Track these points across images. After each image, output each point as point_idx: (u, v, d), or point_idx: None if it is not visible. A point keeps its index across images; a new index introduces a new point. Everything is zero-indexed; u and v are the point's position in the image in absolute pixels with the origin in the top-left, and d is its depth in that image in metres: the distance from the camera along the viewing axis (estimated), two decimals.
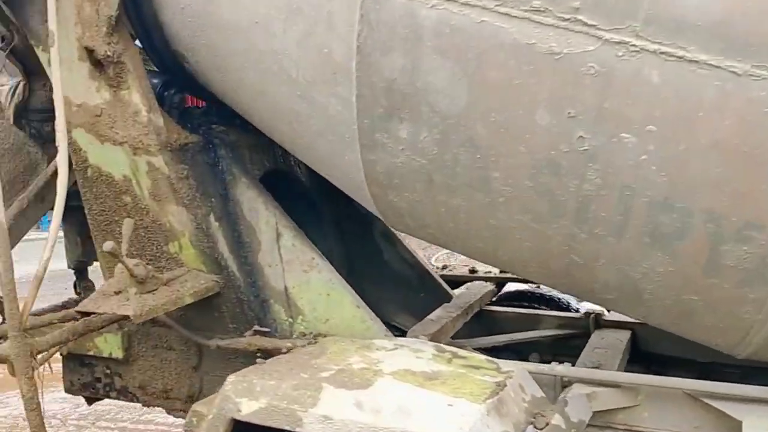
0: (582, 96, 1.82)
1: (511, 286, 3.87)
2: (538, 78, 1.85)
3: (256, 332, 2.73)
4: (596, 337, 2.96)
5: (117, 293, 2.45)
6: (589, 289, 2.22)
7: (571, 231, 2.02)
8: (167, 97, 2.82)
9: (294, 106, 2.37)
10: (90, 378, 3.24)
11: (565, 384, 2.32)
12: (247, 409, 1.96)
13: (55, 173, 3.18)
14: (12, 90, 3.47)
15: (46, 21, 2.70)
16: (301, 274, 2.73)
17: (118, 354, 3.06)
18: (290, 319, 2.76)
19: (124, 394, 3.16)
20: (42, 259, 2.42)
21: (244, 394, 2.00)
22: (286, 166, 3.32)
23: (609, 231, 1.97)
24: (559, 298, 3.81)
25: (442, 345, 2.32)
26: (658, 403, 2.24)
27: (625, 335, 2.98)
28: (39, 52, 2.76)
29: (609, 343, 2.87)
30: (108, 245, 2.36)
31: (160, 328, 2.99)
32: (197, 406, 2.12)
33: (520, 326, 3.26)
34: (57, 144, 2.48)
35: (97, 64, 2.59)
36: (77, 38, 2.62)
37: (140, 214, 2.76)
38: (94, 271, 3.91)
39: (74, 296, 3.78)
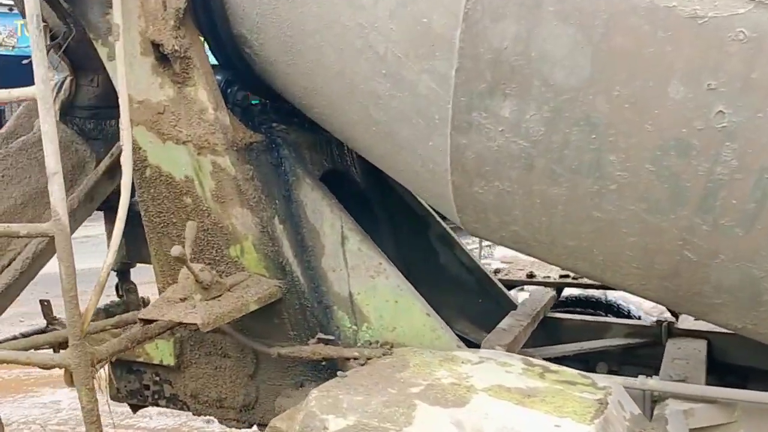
0: (726, 65, 1.67)
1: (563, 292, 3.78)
2: (676, 45, 1.70)
3: (320, 340, 2.64)
4: (672, 347, 2.86)
5: (183, 300, 2.36)
6: (694, 293, 2.07)
7: (691, 222, 1.88)
8: (230, 94, 2.73)
9: (375, 87, 2.23)
10: (138, 385, 3.15)
11: (655, 398, 2.23)
12: (335, 427, 1.86)
13: (106, 172, 3.11)
14: (58, 86, 3.39)
15: (107, 13, 2.62)
16: (367, 279, 2.64)
17: (170, 361, 2.97)
18: (355, 327, 2.67)
19: (174, 403, 3.07)
20: (105, 264, 2.34)
21: (331, 410, 1.90)
22: (342, 167, 3.23)
23: (737, 221, 1.82)
24: (619, 305, 3.70)
25: (528, 358, 2.22)
26: (756, 419, 2.15)
27: (701, 345, 2.88)
28: (98, 46, 2.66)
29: (688, 354, 2.77)
30: (176, 250, 2.27)
31: (215, 334, 2.89)
32: (277, 422, 2.02)
33: (586, 334, 3.16)
34: (121, 143, 2.38)
35: (162, 59, 2.50)
36: (140, 32, 2.53)
37: (201, 216, 2.67)
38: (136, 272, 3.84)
39: (116, 299, 3.70)
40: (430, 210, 3.51)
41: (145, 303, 3.69)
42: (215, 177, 2.58)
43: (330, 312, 2.70)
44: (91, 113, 3.37)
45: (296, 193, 2.73)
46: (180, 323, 2.33)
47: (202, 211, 2.66)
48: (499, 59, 1.93)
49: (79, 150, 3.17)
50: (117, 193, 3.37)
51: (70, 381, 2.40)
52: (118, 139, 3.32)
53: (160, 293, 2.94)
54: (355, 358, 2.57)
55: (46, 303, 3.27)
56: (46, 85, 2.14)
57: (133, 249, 3.53)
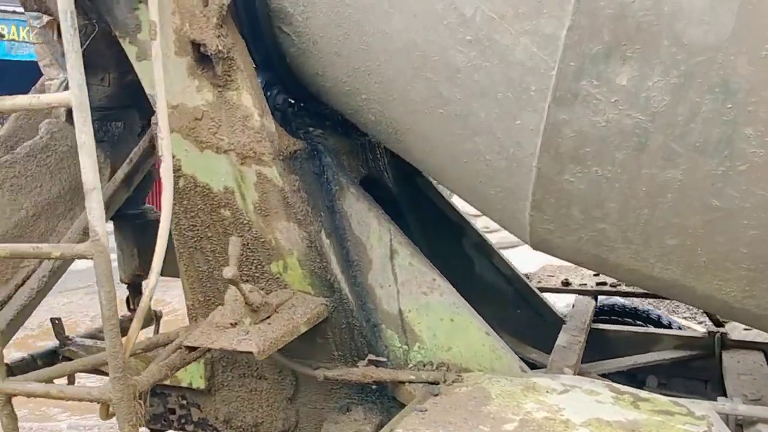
0: None
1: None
2: None
3: (371, 362, 2.49)
4: (731, 361, 2.77)
5: (233, 325, 2.19)
6: None
7: None
8: (269, 97, 2.54)
9: (453, 58, 2.01)
10: (162, 409, 2.97)
11: (739, 422, 2.13)
12: None
13: (124, 180, 2.91)
14: (63, 85, 3.16)
15: (135, 9, 2.42)
16: (419, 296, 2.50)
17: (200, 384, 2.79)
18: (405, 347, 2.52)
19: (203, 428, 2.89)
20: (148, 287, 2.16)
21: None
22: (376, 173, 3.08)
23: None
24: (658, 315, 3.61)
25: (613, 384, 2.10)
26: None
27: (758, 357, 2.81)
28: (125, 44, 2.46)
29: (750, 368, 2.69)
30: (229, 272, 2.10)
31: (250, 354, 2.72)
32: None
33: (634, 346, 3.07)
34: (159, 153, 2.19)
35: (201, 60, 2.31)
36: (175, 30, 2.34)
37: (240, 230, 2.49)
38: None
39: (127, 313, 3.49)
40: (465, 217, 3.37)
41: (157, 317, 3.50)
42: (259, 188, 2.40)
43: (378, 331, 2.55)
44: (102, 114, 3.15)
45: (340, 203, 2.57)
46: (234, 351, 2.16)
47: (242, 224, 2.48)
48: (623, 14, 1.72)
49: None
50: (128, 200, 3.20)
51: (105, 414, 2.20)
52: (126, 142, 3.14)
53: (189, 311, 2.76)
54: (410, 382, 2.44)
55: (57, 321, 3.06)
56: (83, 90, 1.94)
57: (146, 261, 3.32)
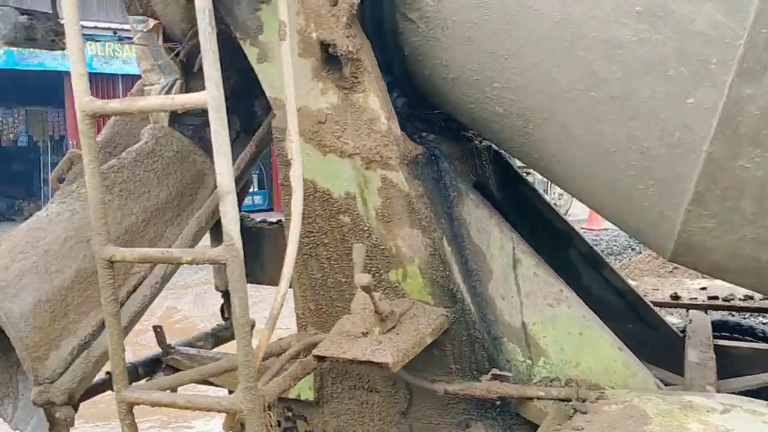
0: None
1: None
2: None
3: (495, 376, 2.40)
4: None
5: (364, 334, 2.12)
6: None
7: None
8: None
9: (615, 33, 1.89)
10: None
11: None
12: None
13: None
14: (165, 90, 3.15)
15: (258, 9, 2.39)
16: (544, 308, 2.40)
17: (309, 395, 2.73)
18: (529, 361, 2.43)
19: None
20: (278, 294, 2.11)
21: None
22: (483, 179, 3.00)
23: None
24: (753, 328, 3.46)
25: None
26: None
27: None
28: (246, 46, 2.43)
29: None
30: (363, 279, 2.04)
31: (361, 365, 2.66)
32: None
33: (759, 363, 2.92)
34: (290, 157, 2.15)
35: (327, 61, 2.26)
36: (299, 30, 2.30)
37: (359, 236, 2.43)
38: None
39: (222, 322, 3.46)
40: (572, 226, 3.27)
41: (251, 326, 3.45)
42: (383, 194, 2.34)
43: (498, 344, 2.46)
44: (203, 120, 3.14)
45: (458, 210, 2.50)
46: (367, 362, 2.09)
47: (361, 231, 2.42)
48: None
49: (197, 161, 2.93)
50: None
51: (231, 425, 2.16)
52: (238, 148, 3.11)
53: (298, 319, 2.71)
54: (539, 398, 2.34)
55: (159, 329, 3.04)
56: (220, 90, 1.90)
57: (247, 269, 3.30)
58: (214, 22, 1.92)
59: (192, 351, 3.08)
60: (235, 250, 1.94)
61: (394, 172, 2.29)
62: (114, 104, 2.16)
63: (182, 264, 2.22)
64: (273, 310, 2.10)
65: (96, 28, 16.41)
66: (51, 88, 17.53)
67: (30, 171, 20.85)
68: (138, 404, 2.18)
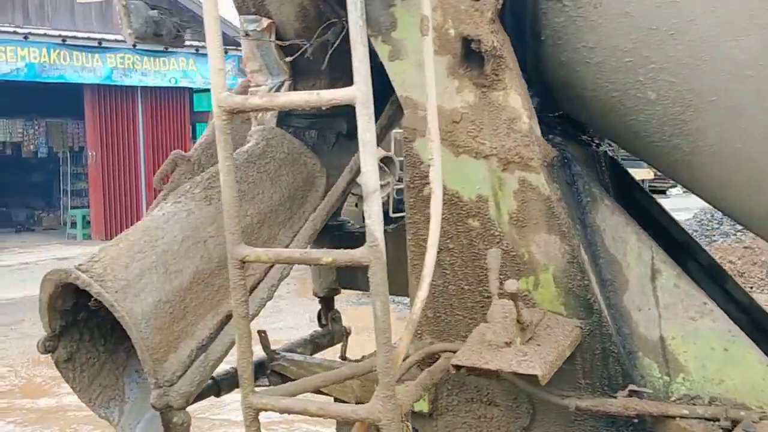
0: None
1: None
2: None
3: (632, 392, 2.29)
4: None
5: (508, 344, 2.03)
6: None
7: None
8: None
9: None
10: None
11: None
12: None
13: (345, 190, 2.83)
14: (272, 90, 3.13)
15: (391, 6, 2.34)
16: (686, 322, 2.29)
17: (423, 407, 2.64)
18: (666, 377, 2.32)
19: None
20: (418, 298, 2.04)
21: None
22: (604, 185, 2.89)
23: None
24: None
25: None
26: None
27: None
28: (377, 44, 2.37)
29: None
30: (513, 285, 1.96)
31: (479, 377, 2.57)
32: None
33: None
34: (428, 157, 2.08)
35: (466, 58, 2.19)
36: (435, 27, 2.23)
37: (488, 241, 2.35)
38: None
39: (319, 329, 3.41)
40: (691, 236, 3.14)
41: (347, 333, 3.40)
42: (519, 197, 2.25)
43: (633, 358, 2.35)
44: (310, 122, 3.10)
45: (592, 216, 2.40)
46: (514, 374, 2.00)
47: (491, 236, 2.34)
48: None
49: (308, 163, 2.89)
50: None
51: None
52: (344, 151, 3.07)
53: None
54: (682, 417, 2.22)
55: (263, 334, 3.00)
56: (369, 86, 1.84)
57: (346, 274, 3.24)
58: (365, 15, 1.87)
59: (298, 357, 3.03)
60: (379, 251, 1.87)
61: (534, 174, 2.20)
62: (255, 100, 2.13)
63: (322, 265, 2.17)
64: (413, 315, 2.03)
65: (116, 41, 16.94)
66: (71, 100, 18.13)
67: (49, 182, 21.49)
68: (266, 410, 2.13)
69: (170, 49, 17.31)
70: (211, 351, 2.44)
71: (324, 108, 3.03)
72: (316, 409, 2.05)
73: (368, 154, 1.87)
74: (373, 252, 1.87)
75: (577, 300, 2.31)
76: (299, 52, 2.65)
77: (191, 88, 18.97)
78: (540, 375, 1.95)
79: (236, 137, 3.23)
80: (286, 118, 3.07)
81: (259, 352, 3.08)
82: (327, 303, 3.37)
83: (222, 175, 2.06)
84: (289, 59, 2.60)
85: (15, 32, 15.94)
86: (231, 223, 2.07)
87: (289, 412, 2.09)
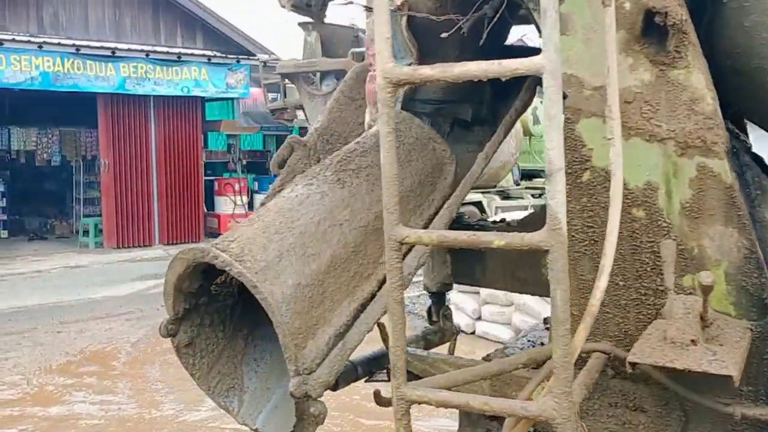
0: None
1: None
2: None
3: None
4: None
5: (693, 342, 1.90)
6: None
7: None
8: None
9: None
10: None
11: None
12: None
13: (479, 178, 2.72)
14: None
15: None
16: None
17: None
18: None
19: None
20: (597, 288, 1.91)
21: None
22: None
23: None
24: None
25: None
26: None
27: None
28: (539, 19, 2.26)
29: None
30: (708, 277, 1.83)
31: (624, 381, 2.44)
32: None
33: None
34: (609, 137, 1.96)
35: (643, 34, 2.07)
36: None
37: (652, 234, 2.23)
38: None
39: (429, 326, 3.29)
40: None
41: (457, 331, 3.28)
42: (696, 185, 2.13)
43: None
44: (434, 108, 3.00)
45: (761, 211, 2.28)
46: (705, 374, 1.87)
47: (657, 227, 2.22)
48: None
49: (437, 149, 2.78)
50: None
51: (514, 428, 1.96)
52: (459, 142, 2.97)
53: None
54: None
55: (383, 326, 2.87)
56: (558, 56, 1.72)
57: (461, 267, 3.12)
58: None
59: (421, 353, 2.91)
60: (562, 235, 1.70)
61: (717, 160, 2.09)
62: (425, 71, 2.01)
63: (495, 247, 2.04)
64: (591, 307, 1.90)
65: (129, 50, 17.15)
66: (84, 109, 18.24)
67: (62, 190, 21.58)
68: (421, 403, 2.00)
69: (183, 59, 17.53)
70: (348, 339, 2.32)
71: (452, 91, 2.98)
72: (479, 403, 1.90)
73: (555, 129, 1.73)
74: (555, 236, 1.70)
75: (750, 299, 2.18)
76: (455, 28, 2.54)
77: (203, 98, 19.03)
78: (735, 375, 1.82)
79: (350, 124, 3.16)
80: (410, 102, 2.98)
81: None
82: (439, 299, 3.25)
83: (383, 151, 1.96)
84: (444, 35, 2.48)
85: (29, 41, 16.01)
86: (391, 201, 1.97)
87: (446, 406, 1.96)
